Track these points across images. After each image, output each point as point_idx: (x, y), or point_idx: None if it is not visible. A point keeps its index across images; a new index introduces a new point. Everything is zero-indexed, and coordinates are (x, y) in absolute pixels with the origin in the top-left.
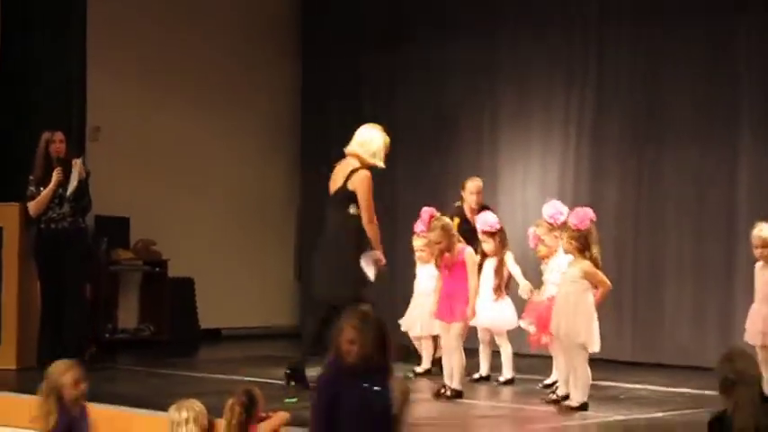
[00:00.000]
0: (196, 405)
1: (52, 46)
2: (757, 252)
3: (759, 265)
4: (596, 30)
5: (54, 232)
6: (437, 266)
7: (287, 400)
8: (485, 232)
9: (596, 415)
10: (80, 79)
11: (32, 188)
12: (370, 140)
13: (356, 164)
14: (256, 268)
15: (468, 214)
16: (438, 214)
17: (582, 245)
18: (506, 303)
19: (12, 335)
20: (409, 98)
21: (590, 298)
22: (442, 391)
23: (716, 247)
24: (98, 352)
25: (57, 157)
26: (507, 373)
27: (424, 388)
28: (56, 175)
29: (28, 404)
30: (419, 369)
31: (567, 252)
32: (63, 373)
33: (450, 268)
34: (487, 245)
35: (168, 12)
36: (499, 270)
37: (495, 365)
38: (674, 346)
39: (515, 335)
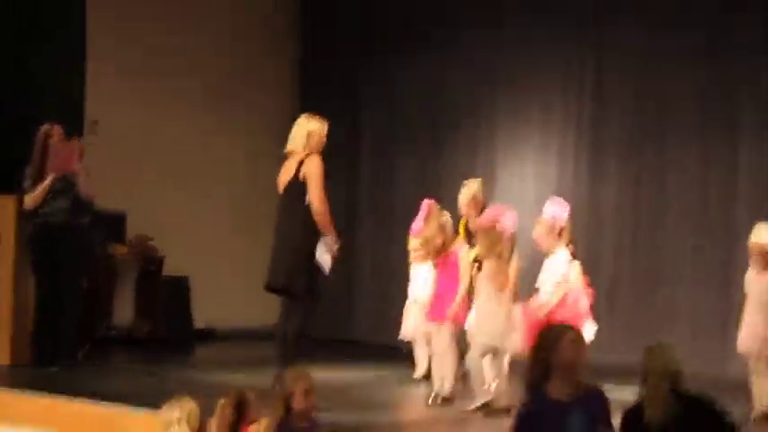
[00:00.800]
0: (188, 404)
1: (52, 39)
2: (753, 259)
3: (752, 272)
4: (595, 31)
5: (49, 226)
6: (433, 265)
7: None
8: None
9: None
10: (79, 72)
11: (29, 181)
12: (307, 132)
13: (301, 155)
14: (252, 267)
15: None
16: (438, 208)
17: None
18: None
19: (6, 330)
20: (407, 98)
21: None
22: (433, 396)
23: (715, 249)
24: (92, 349)
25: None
26: None
27: (423, 393)
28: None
29: (23, 401)
30: (417, 375)
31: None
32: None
33: (444, 267)
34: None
35: (168, 8)
36: None
37: None
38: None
39: None
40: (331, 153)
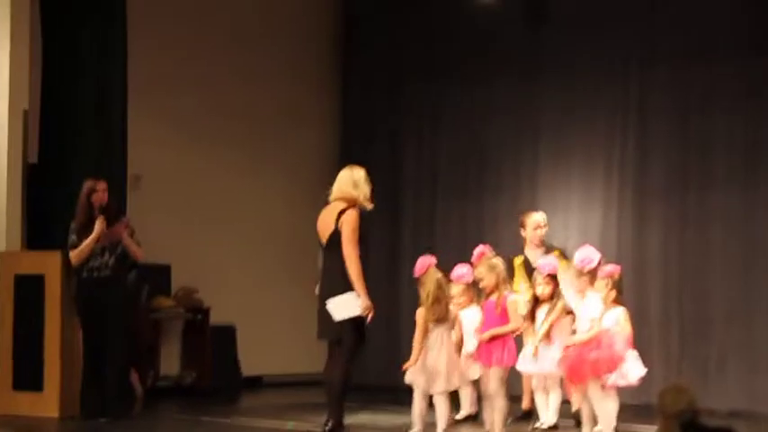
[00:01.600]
0: None
1: (93, 95)
2: None
3: None
4: (638, 73)
5: (96, 281)
6: (481, 307)
7: None
8: (548, 275)
9: None
10: (121, 128)
11: (74, 237)
12: (354, 181)
13: (343, 205)
14: (297, 314)
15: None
16: (490, 252)
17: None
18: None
19: (54, 382)
20: (450, 138)
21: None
22: None
23: (763, 291)
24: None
25: (99, 206)
26: (552, 417)
27: None
28: (98, 225)
29: None
30: (460, 416)
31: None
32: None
33: (493, 312)
34: (548, 288)
35: (206, 56)
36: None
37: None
38: (721, 391)
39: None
40: (374, 195)
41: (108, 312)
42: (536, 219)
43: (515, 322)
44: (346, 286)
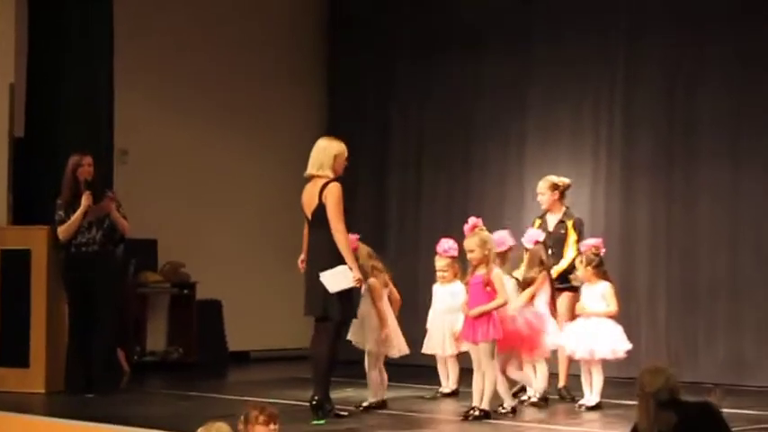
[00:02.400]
0: (223, 428)
1: (79, 70)
2: None
3: None
4: (625, 48)
5: (83, 256)
6: (465, 282)
7: (314, 422)
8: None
9: None
10: (108, 102)
11: (61, 212)
12: (331, 154)
13: (324, 180)
14: (284, 289)
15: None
16: (482, 226)
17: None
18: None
19: (41, 358)
20: (438, 113)
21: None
22: (470, 412)
23: (750, 265)
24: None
25: (85, 181)
26: (538, 392)
27: (450, 409)
28: (85, 200)
29: (57, 428)
30: (445, 390)
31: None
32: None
33: (479, 288)
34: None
35: (194, 32)
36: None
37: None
38: (709, 364)
39: None
40: (360, 166)
41: (96, 287)
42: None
43: (502, 296)
44: (333, 260)
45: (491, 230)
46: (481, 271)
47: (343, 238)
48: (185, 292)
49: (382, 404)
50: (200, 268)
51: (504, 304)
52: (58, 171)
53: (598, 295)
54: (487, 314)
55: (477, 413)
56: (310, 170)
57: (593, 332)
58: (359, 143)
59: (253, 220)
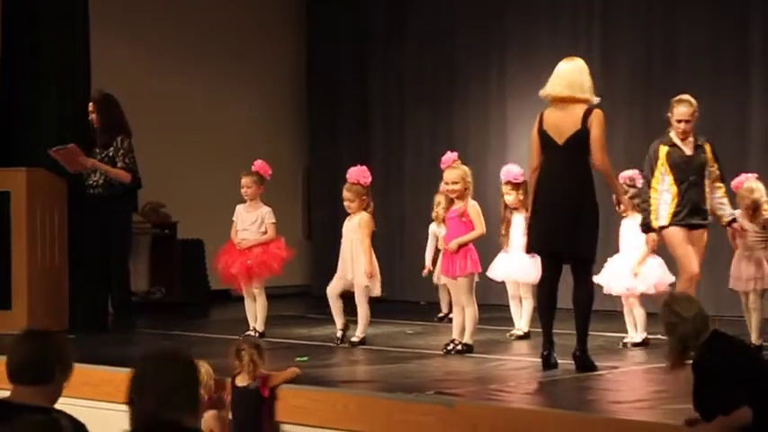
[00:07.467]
0: (202, 367)
1: (56, 10)
2: (743, 207)
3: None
4: None
5: (91, 198)
6: (442, 218)
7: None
8: (508, 183)
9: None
10: (84, 46)
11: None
12: (587, 76)
13: (584, 105)
14: None
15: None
16: (459, 162)
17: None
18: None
19: (23, 300)
20: (416, 51)
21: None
22: (452, 345)
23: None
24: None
25: (93, 126)
26: (524, 326)
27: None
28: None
29: None
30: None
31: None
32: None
33: (457, 221)
34: (510, 197)
35: None
36: None
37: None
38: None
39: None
40: (342, 110)
41: (109, 228)
42: (680, 110)
43: (480, 228)
44: (590, 191)
45: (475, 157)
46: (458, 204)
47: (609, 168)
48: (166, 232)
49: (363, 340)
50: (180, 209)
51: (482, 235)
52: (37, 113)
53: (637, 227)
54: (465, 247)
55: (459, 347)
56: (564, 92)
57: (630, 268)
58: (338, 83)
59: (233, 159)
